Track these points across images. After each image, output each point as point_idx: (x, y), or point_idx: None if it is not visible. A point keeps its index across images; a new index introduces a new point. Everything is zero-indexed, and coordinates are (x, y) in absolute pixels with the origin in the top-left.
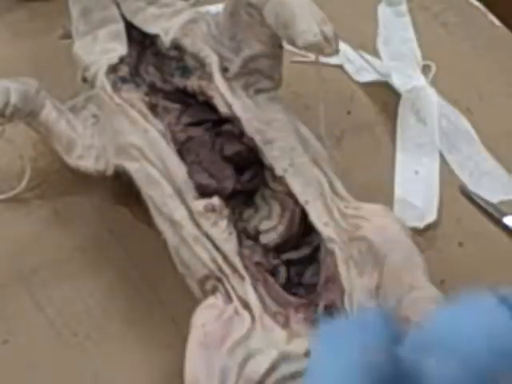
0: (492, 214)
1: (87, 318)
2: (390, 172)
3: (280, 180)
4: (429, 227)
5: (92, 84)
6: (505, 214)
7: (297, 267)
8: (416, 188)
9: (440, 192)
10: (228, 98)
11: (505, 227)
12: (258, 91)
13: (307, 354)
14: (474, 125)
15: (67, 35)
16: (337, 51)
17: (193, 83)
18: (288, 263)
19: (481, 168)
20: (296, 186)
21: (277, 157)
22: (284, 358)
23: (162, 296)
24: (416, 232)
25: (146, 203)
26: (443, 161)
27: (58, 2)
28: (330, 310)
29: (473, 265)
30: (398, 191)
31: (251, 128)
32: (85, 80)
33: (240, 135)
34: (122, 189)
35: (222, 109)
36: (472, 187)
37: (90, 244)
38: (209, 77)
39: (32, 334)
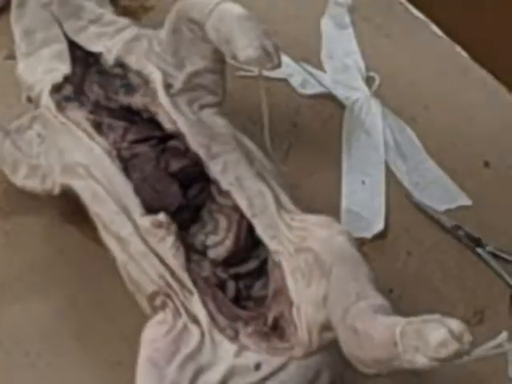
0: (439, 221)
1: (38, 338)
2: (336, 183)
3: (226, 194)
4: (376, 237)
5: (36, 104)
6: (453, 223)
7: (245, 280)
8: (363, 198)
9: (387, 202)
10: (172, 114)
11: (456, 236)
12: (203, 106)
13: (257, 366)
14: (419, 134)
15: (12, 55)
16: (279, 65)
17: (137, 100)
18: (236, 277)
19: (427, 177)
20: (242, 201)
21: (222, 171)
22: (234, 371)
23: (111, 313)
24: (364, 242)
25: (93, 221)
26: (389, 171)
27: (2, 22)
28: (278, 322)
29: (421, 274)
30: (345, 202)
31: (195, 143)
32: (29, 100)
33: (185, 151)
34: (69, 207)
35: (167, 125)
36: (418, 196)
37: (39, 263)
38: (153, 94)
39: None
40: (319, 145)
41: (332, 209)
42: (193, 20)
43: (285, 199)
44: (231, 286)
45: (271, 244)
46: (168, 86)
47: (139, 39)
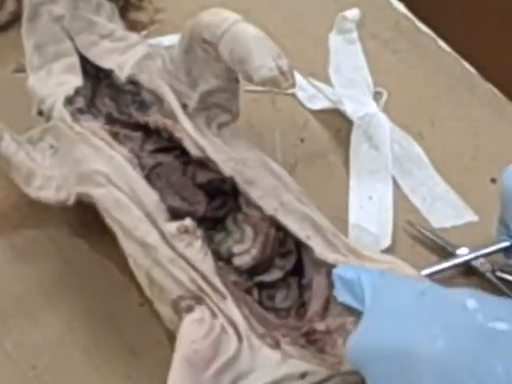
0: (442, 247)
1: (46, 351)
2: (344, 198)
3: (254, 206)
4: (383, 252)
5: (48, 116)
6: (455, 247)
7: (268, 290)
8: (370, 213)
9: (394, 217)
10: (198, 140)
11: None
12: (220, 126)
13: (303, 375)
14: (426, 150)
15: (21, 69)
16: (293, 85)
17: (156, 120)
18: (259, 286)
19: (433, 193)
20: (291, 224)
21: (263, 196)
22: (278, 379)
23: (120, 327)
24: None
25: (112, 228)
26: (396, 186)
27: (11, 35)
28: (317, 337)
29: None
30: (353, 217)
31: (228, 169)
32: (40, 113)
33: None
34: (78, 221)
35: (193, 151)
36: (425, 212)
37: (47, 276)
38: (170, 114)
39: None
40: (326, 160)
41: (339, 224)
42: (206, 40)
43: (325, 221)
44: (255, 294)
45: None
46: (184, 106)
47: (152, 57)
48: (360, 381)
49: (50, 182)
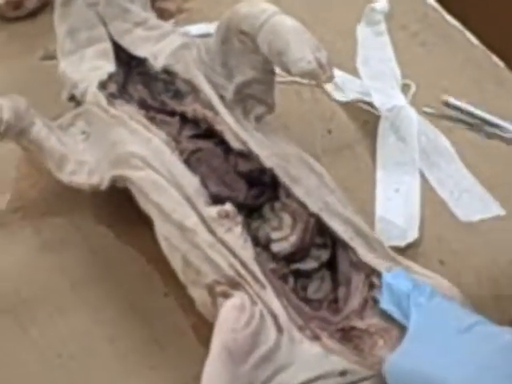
0: None
1: (71, 339)
2: (370, 190)
3: (294, 198)
4: (410, 245)
5: (80, 101)
6: None
7: (302, 280)
8: (397, 206)
9: (421, 210)
10: (240, 133)
11: None
12: (258, 118)
13: (343, 373)
14: (453, 142)
15: (48, 56)
16: (331, 77)
17: (195, 109)
18: (295, 274)
19: (460, 186)
20: (335, 225)
21: (307, 194)
22: (318, 375)
23: (145, 316)
24: (397, 251)
25: (147, 212)
26: (423, 179)
27: (38, 23)
28: (354, 334)
29: (454, 284)
30: (379, 210)
31: (272, 163)
32: (72, 98)
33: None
34: (103, 209)
35: (235, 144)
36: (452, 205)
37: (72, 264)
38: (208, 105)
39: (16, 354)
40: (353, 151)
41: (366, 216)
42: (244, 32)
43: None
44: (291, 282)
45: (375, 264)
46: (221, 97)
47: (188, 47)
48: None
49: (82, 167)
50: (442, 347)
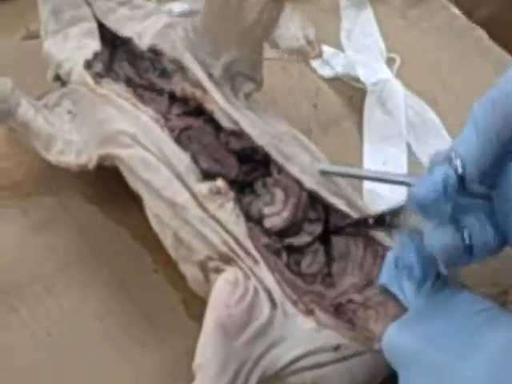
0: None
1: (61, 318)
2: (358, 164)
3: (285, 173)
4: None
5: (66, 81)
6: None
7: (295, 255)
8: None
9: None
10: (231, 112)
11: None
12: (247, 95)
13: (336, 348)
14: (440, 115)
15: (30, 36)
16: (320, 54)
17: (183, 88)
18: (288, 249)
19: None
20: (330, 197)
21: (302, 172)
22: (312, 349)
23: (134, 294)
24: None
25: (137, 190)
26: (411, 152)
27: (18, 3)
28: (348, 308)
29: None
30: (367, 183)
31: (264, 142)
32: (57, 78)
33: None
34: (90, 188)
35: (225, 123)
36: None
37: (60, 244)
38: (196, 83)
39: (7, 336)
40: (340, 126)
41: (353, 189)
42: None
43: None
44: (284, 257)
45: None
46: (210, 76)
47: (173, 27)
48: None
49: (70, 147)
50: (451, 328)
